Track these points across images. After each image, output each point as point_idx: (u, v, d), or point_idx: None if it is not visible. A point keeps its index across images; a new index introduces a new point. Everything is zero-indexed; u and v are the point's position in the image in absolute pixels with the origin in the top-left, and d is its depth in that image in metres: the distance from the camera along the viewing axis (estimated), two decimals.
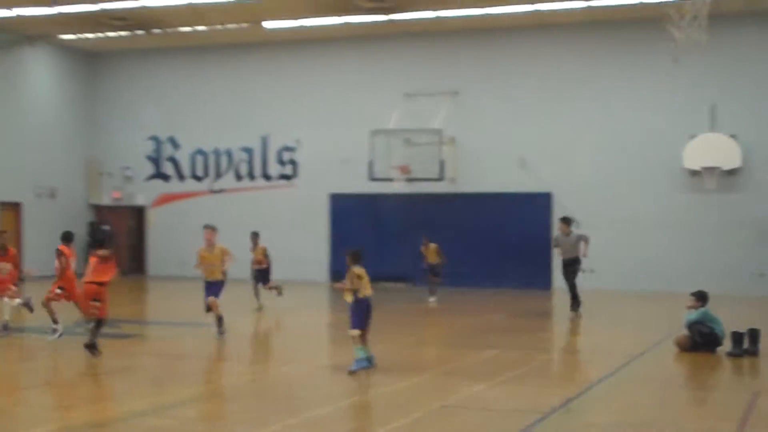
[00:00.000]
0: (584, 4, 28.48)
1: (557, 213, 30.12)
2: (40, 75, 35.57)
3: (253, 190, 35.22)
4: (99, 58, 37.36)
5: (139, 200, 36.87)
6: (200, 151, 36.06)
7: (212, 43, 35.02)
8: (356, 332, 13.71)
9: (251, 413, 11.09)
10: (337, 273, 32.78)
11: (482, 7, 28.99)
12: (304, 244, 33.48)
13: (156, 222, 36.28)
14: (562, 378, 14.79)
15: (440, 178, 30.81)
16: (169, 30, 32.52)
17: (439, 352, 16.54)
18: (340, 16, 30.25)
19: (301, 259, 32.98)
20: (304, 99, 34.30)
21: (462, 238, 31.34)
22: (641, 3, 27.91)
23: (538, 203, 30.72)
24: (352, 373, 13.51)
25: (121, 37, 33.65)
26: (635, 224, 30.24)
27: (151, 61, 36.61)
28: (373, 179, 31.49)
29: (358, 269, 13.84)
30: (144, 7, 29.53)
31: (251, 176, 35.41)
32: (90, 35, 33.76)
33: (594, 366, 15.00)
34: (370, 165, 31.36)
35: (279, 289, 24.01)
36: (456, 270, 30.63)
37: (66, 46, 35.96)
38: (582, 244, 22.31)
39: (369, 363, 13.80)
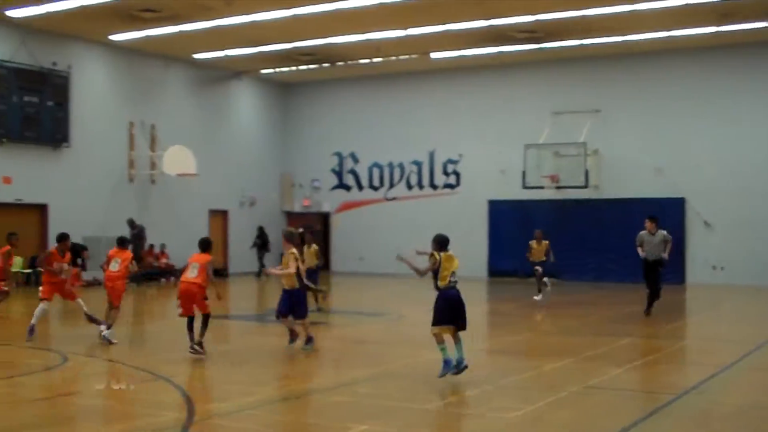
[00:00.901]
0: (713, 30, 27.55)
1: (690, 216, 29.33)
2: (244, 104, 36.73)
3: (422, 197, 35.44)
4: (291, 88, 38.31)
5: (325, 207, 37.60)
6: (376, 165, 36.52)
7: (386, 72, 35.44)
8: (434, 329, 11.52)
9: (417, 391, 11.11)
10: (495, 269, 32.86)
11: (621, 35, 28.47)
12: (466, 244, 33.12)
13: (339, 225, 36.92)
14: (692, 363, 14.36)
15: (585, 186, 30.46)
16: (350, 62, 33.11)
17: (581, 340, 16.27)
18: (496, 46, 30.17)
19: (464, 257, 32.67)
20: (465, 118, 34.36)
21: (604, 238, 31.00)
22: (765, 27, 26.84)
23: (673, 207, 29.84)
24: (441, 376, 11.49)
25: (309, 69, 34.46)
26: (760, 226, 29.10)
27: (334, 89, 37.30)
28: (526, 187, 31.39)
29: (438, 253, 11.72)
30: (329, 44, 30.14)
31: (420, 186, 35.65)
32: (285, 69, 34.72)
33: (722, 353, 14.50)
34: (524, 175, 31.24)
35: (323, 293, 21.16)
36: (599, 266, 30.42)
37: (265, 79, 37.05)
38: (666, 245, 19.63)
39: (450, 367, 11.42)
